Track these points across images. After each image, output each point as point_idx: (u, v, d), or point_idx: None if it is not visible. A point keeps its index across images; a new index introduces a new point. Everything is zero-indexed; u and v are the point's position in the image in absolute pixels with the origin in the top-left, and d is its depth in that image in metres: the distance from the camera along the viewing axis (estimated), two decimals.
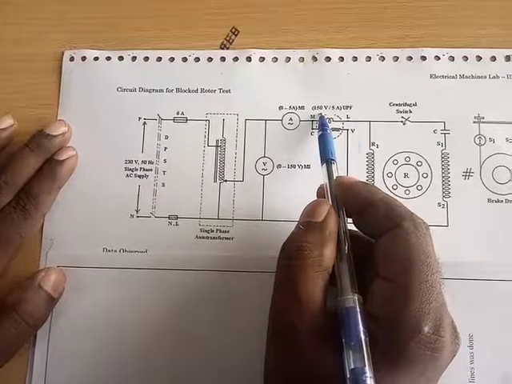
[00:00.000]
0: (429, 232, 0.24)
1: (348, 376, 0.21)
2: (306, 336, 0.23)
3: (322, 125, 0.32)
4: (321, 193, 0.29)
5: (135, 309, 0.32)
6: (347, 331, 0.22)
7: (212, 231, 0.33)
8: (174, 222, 0.33)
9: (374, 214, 0.25)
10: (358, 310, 0.23)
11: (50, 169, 0.33)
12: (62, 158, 0.33)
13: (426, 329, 0.22)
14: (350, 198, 0.26)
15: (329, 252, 0.25)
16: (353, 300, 0.23)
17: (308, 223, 0.26)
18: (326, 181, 0.28)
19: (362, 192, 0.26)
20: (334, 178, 0.28)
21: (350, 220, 0.27)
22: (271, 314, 0.25)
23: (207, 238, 0.33)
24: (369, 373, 0.21)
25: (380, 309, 0.23)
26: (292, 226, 0.32)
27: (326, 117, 0.34)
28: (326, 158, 0.30)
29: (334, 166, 0.29)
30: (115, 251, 0.33)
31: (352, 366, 0.21)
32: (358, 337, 0.22)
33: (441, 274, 0.23)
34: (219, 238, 0.33)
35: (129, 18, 0.37)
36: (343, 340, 0.22)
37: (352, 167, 0.33)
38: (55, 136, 0.34)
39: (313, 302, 0.23)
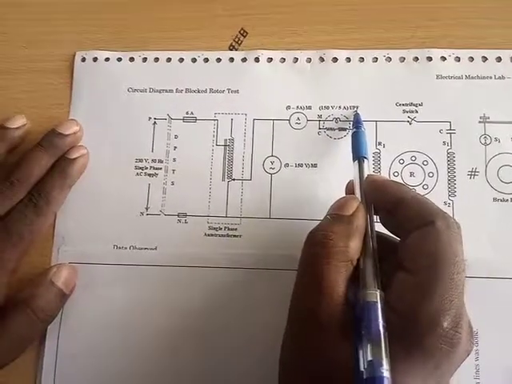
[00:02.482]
0: (460, 232, 0.24)
1: (365, 367, 0.22)
2: (325, 323, 0.23)
3: (357, 122, 0.33)
4: (350, 188, 0.29)
5: (144, 305, 0.33)
6: (367, 324, 0.23)
7: (220, 229, 0.34)
8: (183, 219, 0.34)
9: (405, 212, 0.25)
10: (380, 305, 0.23)
11: (62, 167, 0.34)
12: (73, 157, 0.34)
13: (446, 324, 0.22)
14: (381, 196, 0.27)
15: (354, 245, 0.25)
16: (375, 295, 0.23)
17: (336, 215, 0.26)
18: (357, 177, 0.29)
19: (393, 190, 0.26)
20: (365, 175, 0.29)
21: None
22: (292, 300, 0.25)
23: (215, 235, 0.34)
24: (386, 365, 0.21)
25: (401, 300, 0.23)
26: (299, 224, 0.33)
27: (360, 114, 0.34)
28: (359, 156, 0.30)
29: (365, 164, 0.30)
30: (125, 248, 0.34)
31: (370, 358, 0.22)
32: (377, 330, 0.22)
33: (465, 274, 0.23)
34: (227, 235, 0.33)
35: (139, 19, 0.38)
36: (362, 332, 0.23)
37: None
38: (67, 135, 0.34)
39: (335, 291, 0.24)
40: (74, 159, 0.34)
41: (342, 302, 0.24)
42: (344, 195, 0.29)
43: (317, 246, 0.25)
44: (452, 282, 0.23)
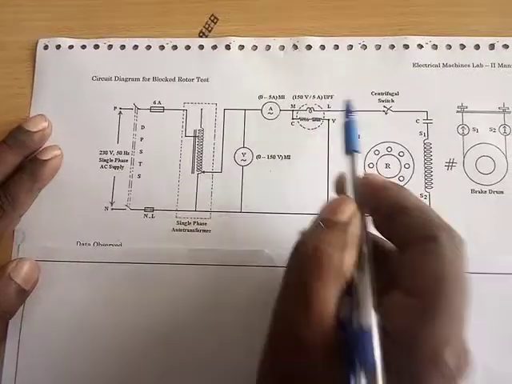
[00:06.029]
0: (464, 248, 0.22)
1: None
2: (312, 348, 0.20)
3: (349, 111, 0.28)
4: (339, 186, 0.25)
5: (109, 304, 0.31)
6: (362, 354, 0.20)
7: (189, 223, 0.32)
8: (149, 214, 0.32)
9: (405, 221, 0.22)
10: (377, 332, 0.20)
11: (32, 169, 0.32)
12: (45, 158, 0.32)
13: (449, 359, 0.19)
14: (378, 200, 0.24)
15: (349, 257, 0.22)
16: (372, 321, 0.20)
17: (329, 221, 0.22)
18: (350, 175, 0.25)
19: (393, 195, 0.23)
20: (359, 173, 0.25)
21: None
22: (275, 318, 0.22)
23: (184, 230, 0.32)
24: None
25: (398, 327, 0.20)
26: (271, 219, 0.32)
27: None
28: (351, 149, 0.26)
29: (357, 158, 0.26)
30: (89, 244, 0.32)
31: None
32: (373, 362, 0.20)
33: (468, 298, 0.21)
34: (196, 230, 0.32)
35: (105, 5, 0.36)
36: (356, 361, 0.20)
37: (333, 157, 0.32)
38: (35, 132, 0.33)
39: (325, 312, 0.20)
40: (46, 161, 0.32)
41: (332, 324, 0.20)
42: (330, 193, 0.26)
43: (307, 258, 0.21)
44: (456, 308, 0.20)
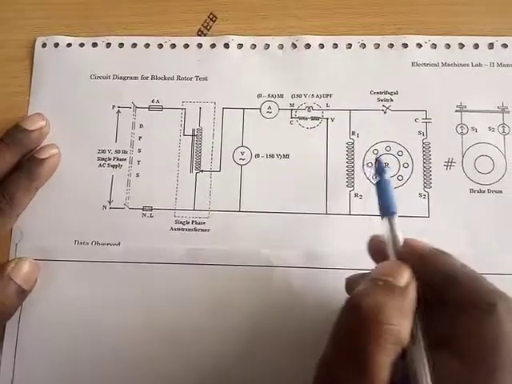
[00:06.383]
0: None
1: None
2: None
3: (380, 169, 0.27)
4: (375, 249, 0.25)
5: (107, 303, 0.31)
6: None
7: (188, 223, 0.32)
8: (148, 213, 0.32)
9: (457, 291, 0.22)
10: None
11: (29, 167, 0.32)
12: (42, 157, 0.32)
13: None
14: (426, 270, 0.23)
15: (407, 323, 0.21)
16: None
17: (388, 284, 0.21)
18: (390, 241, 0.24)
19: (440, 263, 0.23)
20: (400, 238, 0.24)
21: None
22: (324, 377, 0.21)
23: (182, 229, 0.32)
24: None
25: None
26: (270, 218, 0.32)
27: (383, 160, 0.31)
28: (389, 212, 0.25)
29: (395, 221, 0.25)
30: (87, 243, 0.32)
31: None
32: None
33: None
34: (195, 229, 0.32)
35: (103, 3, 0.36)
36: None
37: (331, 157, 0.32)
38: (32, 131, 0.32)
39: (381, 379, 0.19)
40: (43, 160, 0.32)
41: None
42: (371, 253, 0.26)
43: (366, 318, 0.20)
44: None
